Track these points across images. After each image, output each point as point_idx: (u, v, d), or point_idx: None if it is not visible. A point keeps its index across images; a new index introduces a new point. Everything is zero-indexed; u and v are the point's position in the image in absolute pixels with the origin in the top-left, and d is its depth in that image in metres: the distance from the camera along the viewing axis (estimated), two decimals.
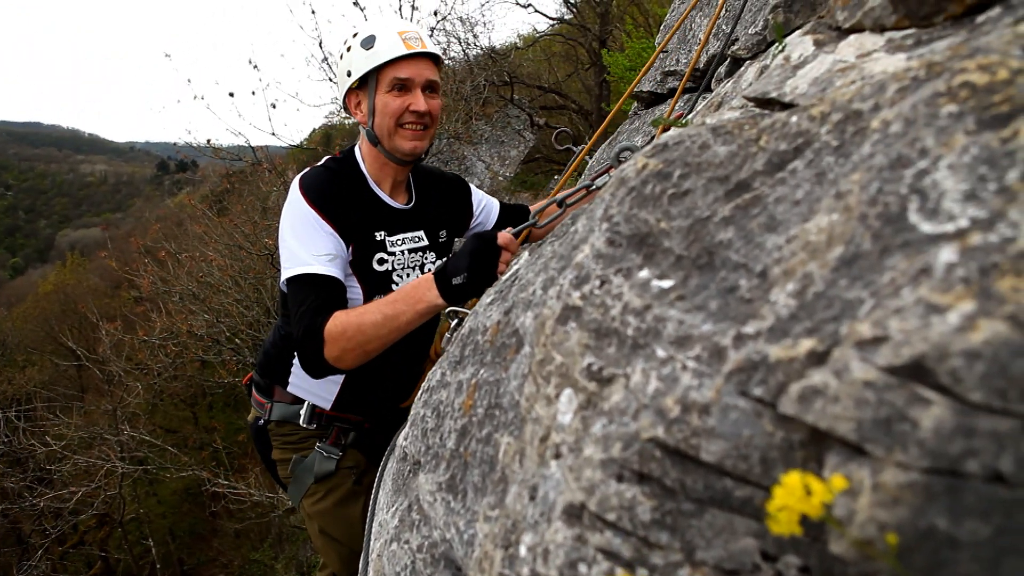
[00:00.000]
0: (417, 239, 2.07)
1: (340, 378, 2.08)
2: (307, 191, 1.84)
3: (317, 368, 1.78)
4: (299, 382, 2.13)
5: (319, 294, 1.76)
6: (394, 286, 1.98)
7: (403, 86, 1.90)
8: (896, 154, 0.70)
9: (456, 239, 2.32)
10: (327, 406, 2.12)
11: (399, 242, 2.01)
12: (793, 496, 0.48)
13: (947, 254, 0.57)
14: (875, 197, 0.68)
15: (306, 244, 1.80)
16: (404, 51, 1.87)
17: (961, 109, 0.68)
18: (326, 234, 1.82)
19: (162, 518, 18.10)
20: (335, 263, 1.81)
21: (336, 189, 1.90)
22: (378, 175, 2.03)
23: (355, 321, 1.68)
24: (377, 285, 1.96)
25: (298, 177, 1.90)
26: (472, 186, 2.39)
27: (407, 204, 2.09)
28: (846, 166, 0.76)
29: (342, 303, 1.80)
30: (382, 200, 2.02)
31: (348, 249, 1.89)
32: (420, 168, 2.21)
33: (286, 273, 1.80)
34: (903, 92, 0.76)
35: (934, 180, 0.64)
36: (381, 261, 1.97)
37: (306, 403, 2.12)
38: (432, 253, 2.12)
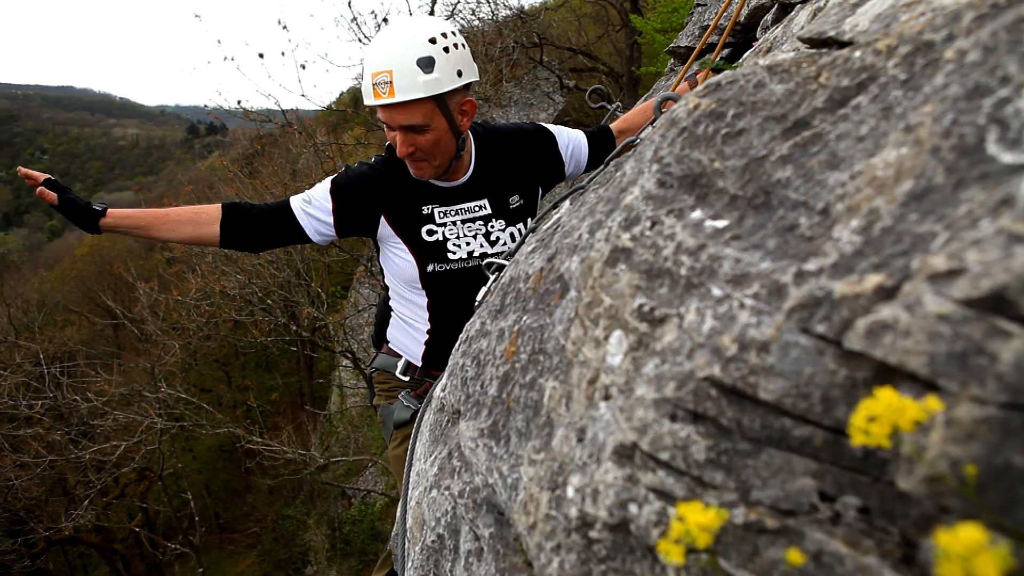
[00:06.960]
0: (478, 208, 2.10)
1: (425, 337, 2.20)
2: (335, 183, 2.05)
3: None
4: (394, 340, 2.32)
5: (270, 205, 2.07)
6: (450, 255, 2.07)
7: (387, 124, 1.90)
8: (973, 84, 0.66)
9: (552, 189, 2.36)
10: (418, 363, 2.25)
11: (452, 213, 2.07)
12: (889, 408, 0.46)
13: None
14: (949, 129, 0.65)
15: (307, 193, 2.07)
16: (372, 101, 1.85)
17: None
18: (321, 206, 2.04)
19: (198, 473, 18.69)
20: (308, 213, 2.04)
21: (364, 179, 2.05)
22: None
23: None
24: (431, 253, 2.05)
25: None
26: (556, 131, 2.28)
27: (461, 179, 2.09)
28: (916, 99, 0.72)
29: (268, 221, 2.06)
30: (428, 180, 2.05)
31: (381, 220, 2.04)
32: (489, 135, 2.16)
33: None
34: (981, 20, 0.72)
35: (1016, 108, 0.61)
36: (430, 232, 2.05)
37: (403, 357, 2.28)
38: (500, 220, 2.12)
